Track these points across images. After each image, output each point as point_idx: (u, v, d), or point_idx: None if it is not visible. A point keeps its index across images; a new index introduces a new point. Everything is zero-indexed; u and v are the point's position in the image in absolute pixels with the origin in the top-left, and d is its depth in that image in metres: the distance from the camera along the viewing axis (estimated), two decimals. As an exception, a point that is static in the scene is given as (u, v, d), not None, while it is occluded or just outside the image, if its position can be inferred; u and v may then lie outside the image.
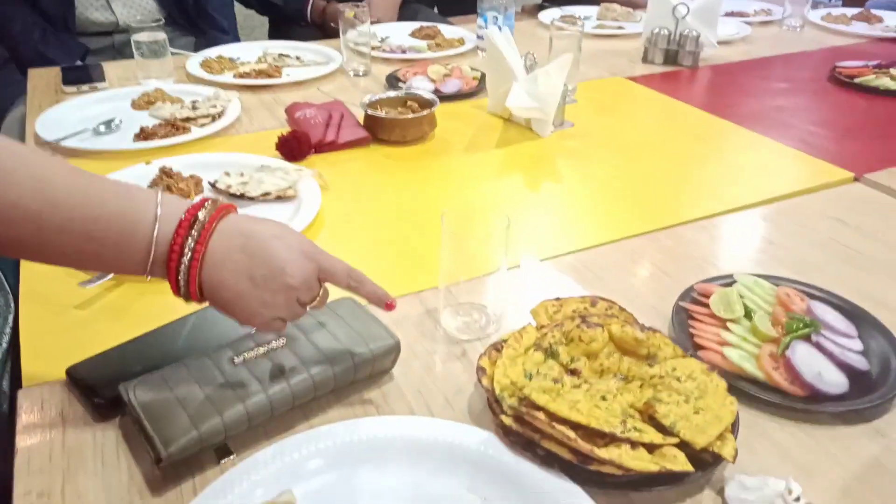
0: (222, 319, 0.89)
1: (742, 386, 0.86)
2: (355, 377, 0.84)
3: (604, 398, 0.81)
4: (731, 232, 1.26)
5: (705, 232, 1.25)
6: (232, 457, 0.77)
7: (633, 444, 0.72)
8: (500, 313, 0.99)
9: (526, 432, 0.75)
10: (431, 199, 1.35)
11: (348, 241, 1.20)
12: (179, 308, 0.97)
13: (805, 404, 0.85)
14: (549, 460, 0.74)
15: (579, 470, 0.72)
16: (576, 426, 0.74)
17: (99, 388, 0.82)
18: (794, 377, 0.87)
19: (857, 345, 0.94)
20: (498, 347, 0.87)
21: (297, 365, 0.81)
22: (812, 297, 1.02)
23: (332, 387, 0.82)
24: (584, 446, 0.71)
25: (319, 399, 0.83)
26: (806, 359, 0.88)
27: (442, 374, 0.90)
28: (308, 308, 0.79)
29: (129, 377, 0.79)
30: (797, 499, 0.69)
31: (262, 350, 0.83)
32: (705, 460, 0.74)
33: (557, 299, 0.95)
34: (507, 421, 0.76)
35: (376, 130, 1.56)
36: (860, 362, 0.91)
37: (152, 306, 1.01)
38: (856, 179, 1.47)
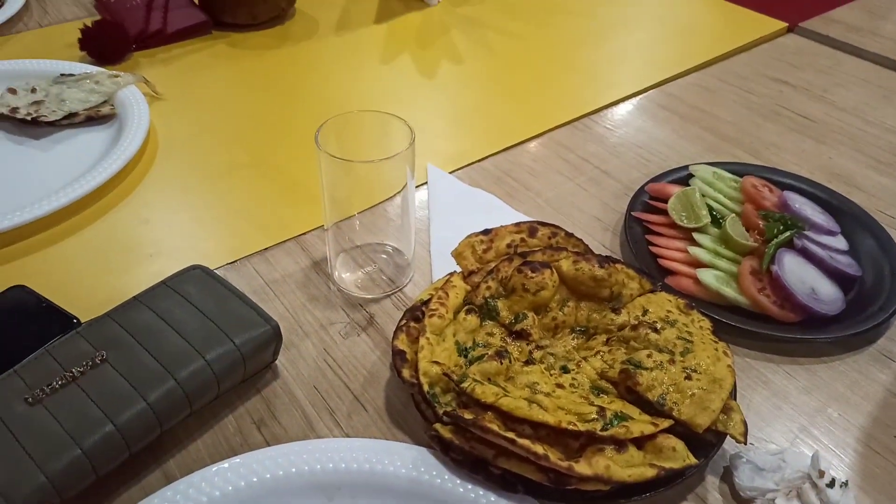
0: (21, 309, 0.61)
1: (724, 317, 0.68)
2: (220, 390, 0.59)
3: (565, 369, 0.61)
4: (668, 110, 1.05)
5: (641, 114, 1.04)
6: (46, 550, 0.51)
7: (619, 443, 0.53)
8: (411, 254, 0.75)
9: (474, 448, 0.53)
10: (299, 103, 1.04)
11: (192, 172, 0.89)
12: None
13: (801, 333, 0.68)
14: (509, 482, 0.53)
15: (552, 491, 0.52)
16: (538, 424, 0.54)
17: None
18: (784, 298, 0.70)
19: (843, 243, 0.78)
20: (416, 315, 0.64)
21: (126, 390, 0.54)
22: (782, 185, 0.84)
23: (188, 410, 0.57)
24: (560, 464, 0.50)
25: (173, 430, 0.58)
26: (795, 272, 0.71)
27: (344, 357, 0.66)
28: None
29: None
30: (830, 482, 0.53)
31: (69, 374, 0.55)
32: (707, 441, 0.56)
33: (486, 232, 0.71)
34: (446, 433, 0.55)
35: (217, 10, 1.19)
36: (851, 267, 0.75)
37: None
38: (790, 30, 1.28)
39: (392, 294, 0.73)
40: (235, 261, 0.76)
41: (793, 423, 0.62)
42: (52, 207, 0.78)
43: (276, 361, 0.65)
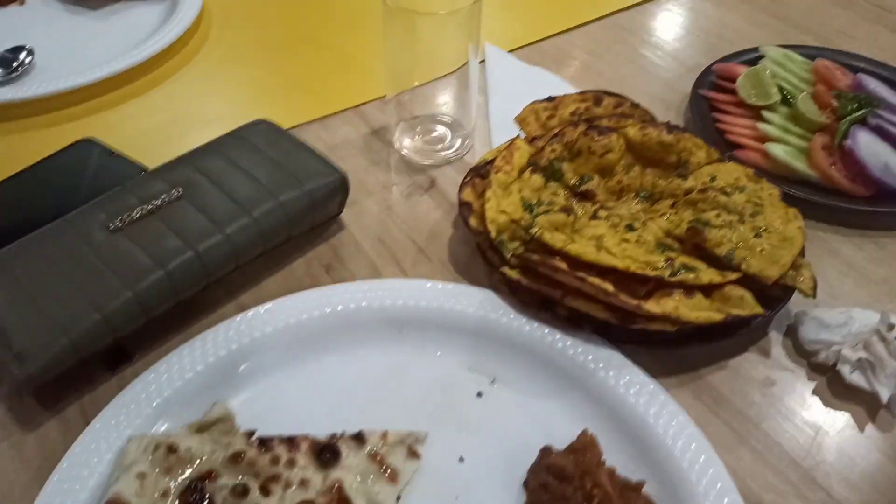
0: (91, 160, 0.62)
1: (793, 191, 0.67)
2: (291, 232, 0.60)
3: (631, 227, 0.61)
4: (736, -2, 1.01)
5: None
6: (130, 362, 0.54)
7: (687, 289, 0.53)
8: (471, 126, 0.74)
9: (542, 288, 0.54)
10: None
11: (247, 45, 0.89)
12: (30, 150, 0.69)
13: (872, 206, 0.67)
14: (575, 322, 0.54)
15: (618, 330, 0.53)
16: (606, 270, 0.54)
17: None
18: (856, 173, 0.68)
19: (917, 125, 0.75)
20: (482, 172, 0.64)
21: (205, 223, 0.56)
22: (855, 69, 0.81)
23: (262, 248, 0.58)
24: (629, 301, 0.51)
25: (245, 268, 0.59)
26: (870, 147, 0.69)
27: (407, 215, 0.67)
28: None
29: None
30: (899, 334, 0.53)
31: (148, 207, 0.57)
32: (774, 296, 0.56)
33: (550, 99, 0.70)
34: (513, 274, 0.55)
35: None
36: (925, 146, 0.72)
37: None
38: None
39: (452, 161, 0.73)
40: (295, 126, 0.76)
41: (860, 290, 0.61)
42: (114, 70, 0.79)
43: (341, 215, 0.66)
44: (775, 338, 0.58)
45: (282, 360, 0.53)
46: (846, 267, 0.63)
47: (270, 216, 0.57)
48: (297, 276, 0.61)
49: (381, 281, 0.57)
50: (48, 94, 0.75)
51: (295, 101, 0.80)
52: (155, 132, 0.75)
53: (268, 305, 0.55)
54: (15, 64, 0.79)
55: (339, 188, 0.62)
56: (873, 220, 0.67)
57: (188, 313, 0.57)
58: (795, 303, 0.58)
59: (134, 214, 0.56)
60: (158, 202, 0.57)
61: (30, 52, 0.81)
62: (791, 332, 0.58)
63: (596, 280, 0.51)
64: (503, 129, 0.75)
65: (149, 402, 0.49)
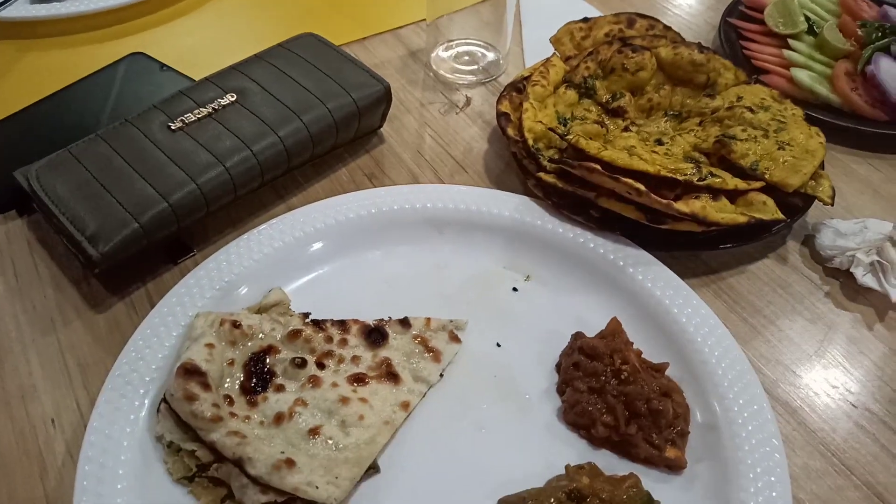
0: (141, 73, 0.66)
1: (815, 114, 0.69)
2: (337, 139, 0.64)
3: (660, 142, 0.64)
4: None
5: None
6: (192, 254, 0.58)
7: (714, 193, 0.57)
8: (506, 50, 0.77)
9: (577, 190, 0.58)
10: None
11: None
12: (79, 65, 0.72)
13: (890, 129, 0.69)
14: (606, 223, 0.58)
15: (645, 232, 0.57)
16: (638, 176, 0.57)
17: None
18: (877, 98, 0.71)
19: (939, 56, 0.77)
20: (518, 87, 0.67)
21: (259, 126, 0.59)
22: (880, 2, 0.83)
23: (310, 153, 0.62)
24: (660, 200, 0.54)
25: (294, 171, 0.63)
26: (891, 73, 0.71)
27: (444, 130, 0.70)
28: None
29: (24, 159, 0.57)
30: (911, 240, 0.56)
31: (205, 110, 0.60)
32: (794, 205, 0.60)
33: (584, 20, 0.73)
34: (549, 178, 0.59)
35: None
36: (947, 76, 0.75)
37: (37, 68, 0.75)
38: None
39: (486, 82, 0.76)
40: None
41: (875, 205, 0.65)
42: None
43: (381, 129, 0.69)
44: (793, 246, 0.61)
45: (332, 253, 0.57)
46: (863, 185, 0.67)
47: (320, 121, 0.61)
48: (342, 182, 0.64)
49: (423, 186, 0.61)
50: (97, 10, 0.78)
51: (336, 23, 0.82)
52: (200, 49, 0.78)
53: (318, 204, 0.58)
54: (65, -21, 0.82)
55: (384, 98, 0.65)
56: (890, 143, 0.70)
57: (242, 211, 0.61)
58: (813, 215, 0.61)
59: (192, 116, 0.59)
60: (215, 105, 0.60)
61: (79, -31, 0.84)
62: (808, 241, 0.61)
63: (629, 179, 0.55)
64: (536, 53, 0.77)
65: (211, 286, 0.53)
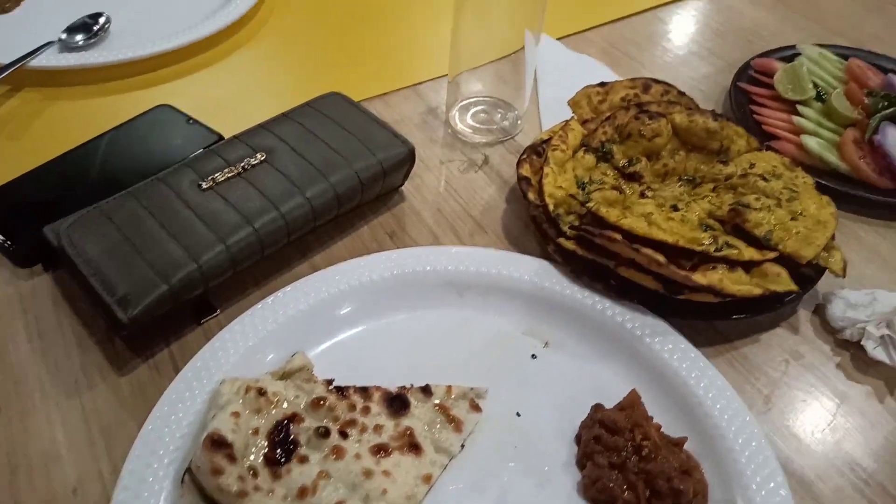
0: (168, 126, 0.67)
1: (825, 181, 0.71)
2: (362, 199, 0.65)
3: (675, 207, 0.66)
4: (773, -4, 1.04)
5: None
6: (216, 314, 0.59)
7: (731, 265, 0.58)
8: (524, 109, 0.79)
9: (596, 258, 0.59)
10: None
11: (311, 23, 0.93)
12: (106, 115, 0.74)
13: (897, 199, 0.71)
14: (623, 290, 0.59)
15: (662, 301, 0.58)
16: (656, 245, 0.59)
17: (13, 231, 0.61)
18: (884, 167, 0.73)
19: (943, 125, 0.80)
20: (538, 150, 0.69)
21: (287, 186, 0.61)
22: (886, 70, 0.85)
23: (336, 212, 0.63)
24: (678, 272, 0.56)
25: (318, 230, 0.64)
26: (898, 145, 0.73)
27: (463, 188, 0.72)
28: None
29: (51, 212, 0.58)
30: (922, 315, 0.58)
31: (235, 169, 0.61)
32: (807, 276, 0.61)
33: (602, 84, 0.75)
34: (569, 245, 0.60)
35: None
36: (951, 146, 0.77)
37: (64, 117, 0.76)
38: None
39: (504, 141, 0.77)
40: (357, 102, 0.80)
41: (883, 275, 0.66)
42: (186, 40, 0.83)
43: (402, 188, 0.70)
44: (804, 315, 0.62)
45: (354, 316, 0.58)
46: (871, 253, 0.68)
47: (346, 182, 0.62)
48: (363, 240, 0.66)
49: (444, 247, 0.62)
50: (125, 61, 0.80)
51: (357, 78, 0.84)
52: (225, 102, 0.80)
53: (341, 265, 0.60)
54: (95, 28, 0.84)
55: (408, 159, 0.66)
56: (897, 213, 0.72)
57: (267, 271, 0.62)
58: (823, 284, 0.62)
59: (221, 175, 0.61)
60: (244, 164, 0.61)
61: (108, 20, 0.86)
62: (819, 311, 0.62)
63: (649, 250, 0.56)
64: (552, 113, 0.79)
65: (236, 350, 0.54)
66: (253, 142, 0.64)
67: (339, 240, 0.66)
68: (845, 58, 0.86)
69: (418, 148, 0.75)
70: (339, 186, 0.62)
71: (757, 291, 0.57)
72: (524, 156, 0.68)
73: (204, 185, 0.60)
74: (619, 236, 0.57)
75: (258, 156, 0.62)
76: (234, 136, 0.65)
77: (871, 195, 0.71)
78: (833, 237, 0.63)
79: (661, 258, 0.56)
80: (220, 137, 0.71)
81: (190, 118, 0.74)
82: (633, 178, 0.69)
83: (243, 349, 0.54)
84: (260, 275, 0.62)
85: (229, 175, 0.61)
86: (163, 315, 0.55)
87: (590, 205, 0.60)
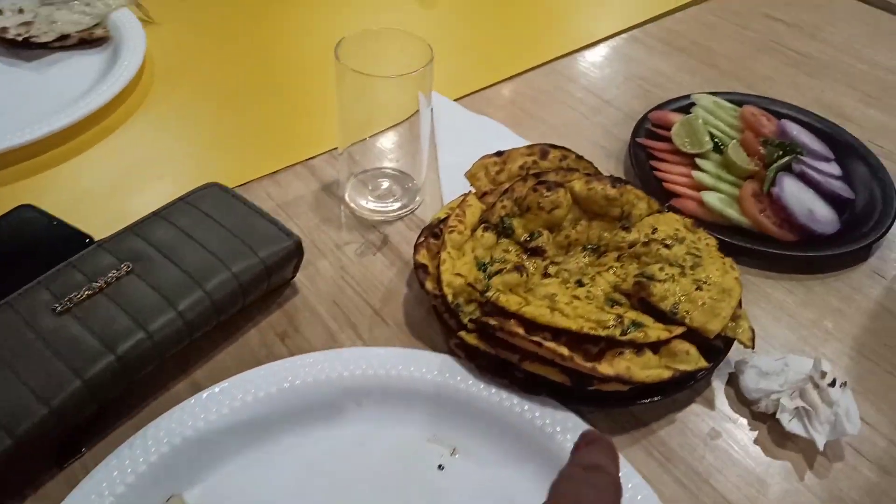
0: (30, 229, 0.61)
1: (727, 237, 0.70)
2: (245, 303, 0.60)
3: (580, 283, 0.63)
4: (666, 44, 1.05)
5: (640, 47, 1.04)
6: (80, 454, 0.52)
7: (638, 348, 0.56)
8: (422, 179, 0.75)
9: (499, 353, 0.55)
10: (298, 28, 1.02)
11: (193, 96, 0.88)
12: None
13: (798, 251, 0.71)
14: (531, 385, 0.55)
15: (572, 392, 0.55)
16: (559, 331, 0.56)
17: None
18: (783, 219, 0.72)
19: (836, 169, 0.81)
20: (435, 232, 0.65)
21: (156, 300, 0.55)
22: (778, 115, 0.86)
23: (215, 321, 0.58)
24: (584, 365, 0.53)
25: (199, 341, 0.58)
26: (795, 194, 0.73)
27: (361, 275, 0.67)
28: None
29: None
30: (832, 382, 0.56)
31: (96, 285, 0.55)
32: (715, 347, 0.59)
33: (499, 154, 0.72)
34: (471, 340, 0.57)
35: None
36: (845, 190, 0.78)
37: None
38: (782, -33, 1.29)
39: (404, 216, 0.74)
40: (245, 183, 0.76)
41: (792, 333, 0.65)
42: (52, 128, 0.76)
43: (295, 279, 0.66)
44: (718, 387, 0.60)
45: (239, 443, 0.52)
46: (779, 311, 0.67)
47: (224, 288, 0.57)
48: (251, 346, 0.60)
49: (339, 350, 0.57)
50: (-22, 157, 0.72)
51: (243, 156, 0.79)
52: (97, 193, 0.73)
53: (223, 384, 0.54)
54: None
55: (294, 252, 0.62)
56: (801, 265, 0.71)
57: (139, 395, 0.56)
58: (735, 352, 0.61)
59: (81, 294, 0.54)
60: (107, 279, 0.55)
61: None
62: (733, 380, 0.61)
63: (552, 344, 0.53)
64: (453, 182, 0.76)
65: (99, 498, 0.48)
66: (118, 249, 0.58)
67: (224, 348, 0.60)
68: (739, 104, 0.87)
69: (311, 232, 0.71)
70: (216, 293, 0.56)
71: (666, 375, 0.55)
72: (421, 239, 0.65)
73: (59, 308, 0.53)
74: (520, 329, 0.54)
75: (123, 267, 0.56)
76: (98, 244, 0.59)
77: (775, 250, 0.71)
78: (740, 304, 0.62)
79: (565, 352, 0.52)
80: (90, 240, 0.64)
81: (53, 219, 0.67)
82: (535, 252, 0.66)
83: (110, 499, 0.48)
84: (132, 401, 0.55)
85: (89, 293, 0.54)
86: (13, 463, 0.48)
87: (489, 294, 0.57)
